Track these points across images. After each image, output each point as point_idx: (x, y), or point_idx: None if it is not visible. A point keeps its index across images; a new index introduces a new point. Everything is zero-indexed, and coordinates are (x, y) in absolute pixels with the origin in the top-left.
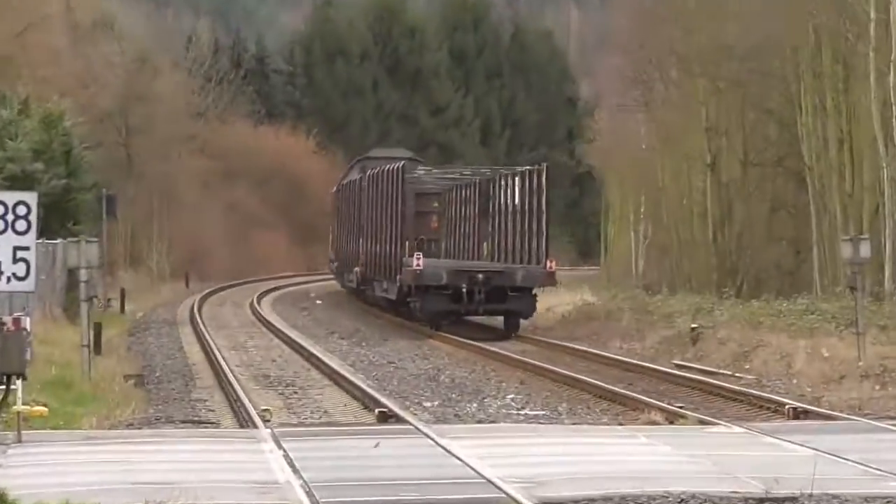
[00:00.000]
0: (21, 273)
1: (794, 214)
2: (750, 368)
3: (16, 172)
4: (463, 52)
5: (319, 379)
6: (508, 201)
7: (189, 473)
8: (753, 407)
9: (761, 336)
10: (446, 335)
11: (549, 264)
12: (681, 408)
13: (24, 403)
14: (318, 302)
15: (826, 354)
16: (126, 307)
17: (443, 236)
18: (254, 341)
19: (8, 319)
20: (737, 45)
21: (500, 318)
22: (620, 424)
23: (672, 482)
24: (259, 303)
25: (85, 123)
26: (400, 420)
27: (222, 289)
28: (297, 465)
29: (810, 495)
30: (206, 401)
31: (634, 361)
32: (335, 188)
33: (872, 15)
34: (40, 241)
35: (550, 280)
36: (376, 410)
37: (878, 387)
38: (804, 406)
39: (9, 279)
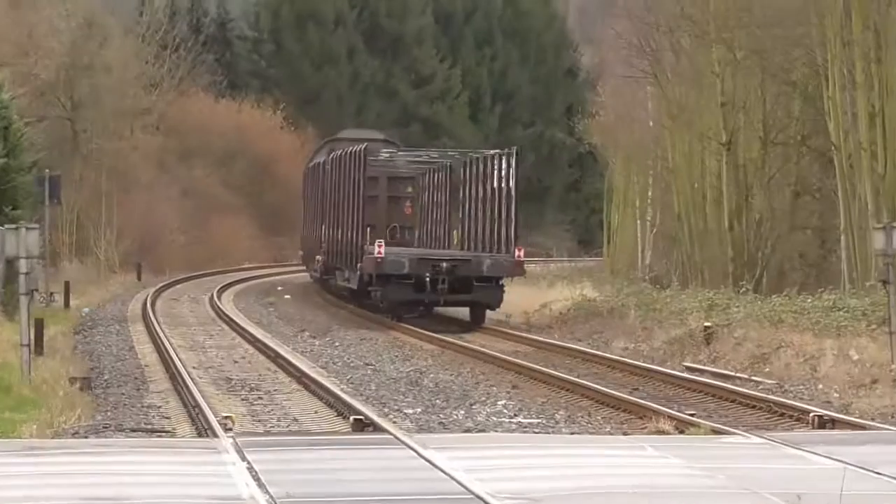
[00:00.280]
0: None
1: (820, 200)
2: (770, 372)
3: None
4: (450, 17)
5: (287, 382)
6: (478, 186)
7: (141, 487)
8: (774, 415)
9: (782, 335)
10: (432, 334)
11: (517, 253)
12: (692, 415)
13: None
14: (287, 297)
15: (855, 356)
16: (71, 302)
17: (417, 223)
18: (214, 340)
19: None
20: (757, 9)
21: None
22: (625, 434)
23: (683, 499)
24: (220, 297)
25: (25, 96)
26: (378, 429)
27: (178, 282)
28: (262, 478)
29: None
30: (160, 407)
31: (641, 363)
32: (304, 171)
33: None
34: None
35: (519, 269)
36: (351, 418)
37: None
38: (830, 414)
39: None
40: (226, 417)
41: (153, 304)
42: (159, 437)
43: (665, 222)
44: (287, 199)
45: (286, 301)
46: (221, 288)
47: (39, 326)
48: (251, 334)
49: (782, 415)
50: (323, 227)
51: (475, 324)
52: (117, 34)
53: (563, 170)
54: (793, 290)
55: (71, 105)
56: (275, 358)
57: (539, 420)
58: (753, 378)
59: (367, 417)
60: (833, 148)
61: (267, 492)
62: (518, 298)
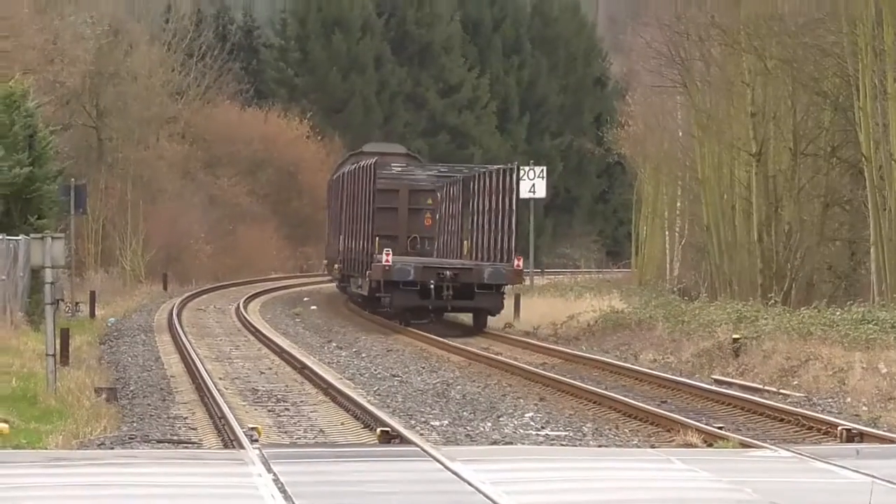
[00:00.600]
0: None
1: (850, 211)
2: (798, 385)
3: None
4: (478, 25)
5: (314, 394)
6: (484, 199)
7: (167, 499)
8: (802, 428)
9: (812, 348)
10: (458, 346)
11: (516, 262)
12: (721, 428)
13: None
14: (314, 307)
15: (884, 369)
16: (97, 312)
17: (436, 234)
18: (240, 351)
19: None
20: (788, 18)
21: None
22: (652, 447)
23: None
24: (246, 308)
25: (50, 104)
26: (405, 441)
27: (204, 291)
28: (288, 490)
29: None
30: (186, 418)
31: (669, 376)
32: (328, 182)
33: None
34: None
35: (517, 278)
36: (378, 430)
37: None
38: (859, 427)
39: None
40: (252, 429)
41: (179, 315)
42: (185, 448)
43: (694, 233)
44: (313, 208)
45: (312, 312)
46: (248, 298)
47: (65, 336)
48: (277, 345)
49: (811, 428)
50: (340, 237)
51: (477, 329)
52: (143, 42)
53: (591, 180)
54: (822, 302)
55: (96, 113)
56: (301, 369)
57: (566, 433)
58: (782, 391)
59: (393, 429)
60: (863, 159)
61: None
62: (546, 309)
